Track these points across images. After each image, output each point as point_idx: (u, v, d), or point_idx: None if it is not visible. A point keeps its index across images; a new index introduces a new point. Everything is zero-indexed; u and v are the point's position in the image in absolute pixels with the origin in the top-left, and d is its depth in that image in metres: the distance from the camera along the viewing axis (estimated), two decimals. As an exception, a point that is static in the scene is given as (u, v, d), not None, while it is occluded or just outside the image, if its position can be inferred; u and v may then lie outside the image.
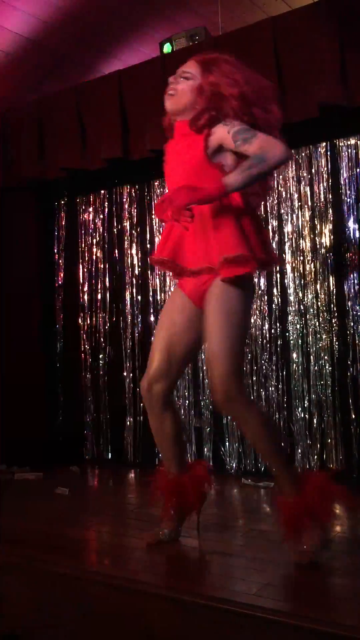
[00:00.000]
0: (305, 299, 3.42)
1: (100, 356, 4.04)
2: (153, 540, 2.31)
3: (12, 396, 4.01)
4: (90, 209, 4.17)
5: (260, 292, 3.53)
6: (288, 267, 3.47)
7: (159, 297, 3.87)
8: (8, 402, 4.02)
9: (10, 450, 3.86)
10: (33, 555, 2.27)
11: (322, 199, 3.40)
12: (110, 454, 4.01)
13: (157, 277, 3.85)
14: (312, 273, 3.41)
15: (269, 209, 3.53)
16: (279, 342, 3.49)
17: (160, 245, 2.28)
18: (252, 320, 3.53)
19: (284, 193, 3.50)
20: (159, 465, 2.47)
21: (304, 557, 2.06)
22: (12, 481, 3.56)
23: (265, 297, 3.53)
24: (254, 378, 3.54)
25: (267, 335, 3.51)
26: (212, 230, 2.11)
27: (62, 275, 4.25)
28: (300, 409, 3.41)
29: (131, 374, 3.93)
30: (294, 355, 3.44)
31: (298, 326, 3.44)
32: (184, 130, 2.22)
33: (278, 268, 3.48)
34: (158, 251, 2.28)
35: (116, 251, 4.08)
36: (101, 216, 4.14)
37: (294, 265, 3.46)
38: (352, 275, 3.33)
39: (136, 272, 4.00)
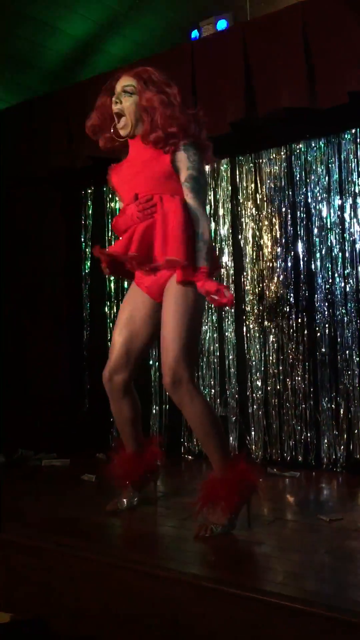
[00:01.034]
0: (333, 288, 3.38)
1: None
2: (112, 509, 2.63)
3: (39, 384, 4.06)
4: (117, 198, 4.17)
5: (288, 281, 3.51)
6: (317, 255, 3.43)
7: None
8: (35, 389, 4.07)
9: (37, 437, 3.90)
10: (60, 540, 2.30)
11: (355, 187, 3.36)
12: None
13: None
14: (340, 261, 3.37)
15: (296, 198, 3.50)
16: (305, 332, 3.47)
17: (123, 243, 2.42)
18: (280, 309, 3.51)
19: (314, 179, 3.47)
20: (116, 444, 2.75)
21: (201, 531, 2.29)
22: (40, 468, 3.61)
23: (293, 286, 3.50)
24: (280, 368, 3.52)
25: (294, 324, 3.48)
26: (168, 232, 2.34)
27: (89, 264, 4.27)
28: (326, 399, 3.39)
29: (157, 362, 3.94)
30: (321, 344, 3.41)
31: (325, 315, 3.41)
32: (138, 146, 2.47)
33: (307, 257, 3.46)
34: (123, 248, 2.41)
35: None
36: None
37: (323, 253, 3.42)
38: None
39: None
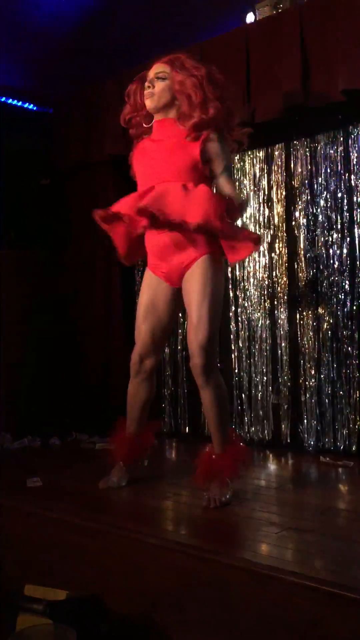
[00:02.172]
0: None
1: (179, 331, 4.06)
2: (105, 486, 2.75)
3: (95, 369, 4.13)
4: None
5: (342, 268, 3.45)
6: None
7: (237, 273, 3.84)
8: (90, 374, 4.14)
9: (92, 421, 3.98)
10: (114, 521, 2.35)
11: None
12: (187, 428, 4.06)
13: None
14: None
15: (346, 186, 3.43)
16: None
17: (134, 199, 2.50)
18: (334, 296, 3.46)
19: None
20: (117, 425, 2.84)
21: (211, 502, 2.45)
22: (94, 451, 3.68)
23: (348, 273, 3.43)
24: (334, 355, 3.47)
25: (349, 312, 3.42)
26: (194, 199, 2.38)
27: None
28: (381, 388, 3.33)
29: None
30: (377, 333, 3.34)
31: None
32: (169, 130, 2.51)
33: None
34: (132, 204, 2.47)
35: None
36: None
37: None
38: None
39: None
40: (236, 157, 3.84)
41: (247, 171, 3.81)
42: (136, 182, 2.69)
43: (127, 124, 2.70)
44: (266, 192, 3.73)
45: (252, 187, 3.78)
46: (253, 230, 3.72)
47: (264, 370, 3.73)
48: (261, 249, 3.73)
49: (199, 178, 2.47)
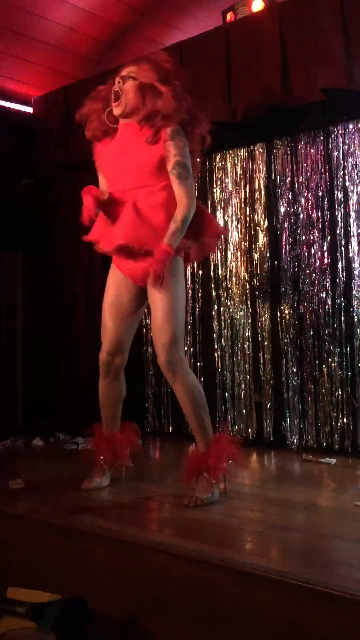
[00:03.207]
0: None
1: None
2: (88, 487, 2.75)
3: (78, 370, 4.10)
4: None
5: (323, 266, 3.46)
6: (353, 240, 3.37)
7: (219, 272, 3.84)
8: (73, 375, 4.12)
9: (75, 422, 3.95)
10: (97, 522, 2.33)
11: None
12: (171, 427, 4.06)
13: (219, 252, 3.82)
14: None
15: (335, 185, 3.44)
16: (342, 317, 3.42)
17: (103, 233, 2.63)
18: (316, 294, 3.47)
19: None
20: (95, 428, 2.85)
21: (192, 501, 2.48)
22: (77, 452, 3.66)
23: (329, 271, 3.45)
24: (316, 353, 3.48)
25: (331, 310, 3.44)
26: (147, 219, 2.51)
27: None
28: (364, 385, 3.35)
29: (192, 348, 3.95)
30: (358, 330, 3.36)
31: (362, 301, 3.36)
32: (131, 130, 2.55)
33: (344, 242, 3.40)
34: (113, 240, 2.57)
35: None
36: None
37: None
38: None
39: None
40: (217, 156, 3.85)
41: (229, 170, 3.81)
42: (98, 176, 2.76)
43: (84, 122, 2.70)
44: (247, 191, 3.73)
45: (233, 186, 3.79)
46: (236, 229, 3.74)
47: (247, 368, 3.74)
48: (243, 247, 3.74)
49: (163, 176, 2.52)
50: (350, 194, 3.39)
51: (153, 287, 2.46)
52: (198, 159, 2.80)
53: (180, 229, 2.48)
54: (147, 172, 2.53)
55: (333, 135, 3.43)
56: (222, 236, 2.62)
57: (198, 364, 3.94)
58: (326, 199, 3.45)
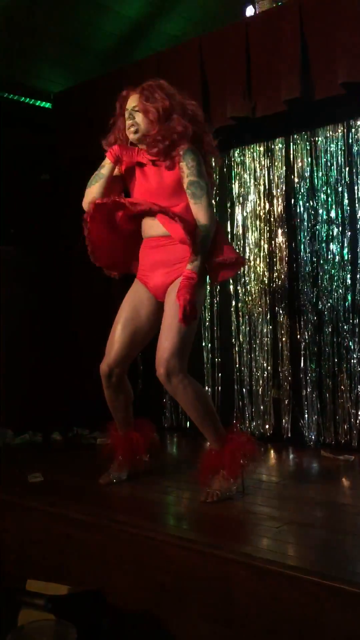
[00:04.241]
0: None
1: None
2: (106, 482, 2.78)
3: (94, 363, 4.12)
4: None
5: (342, 262, 3.44)
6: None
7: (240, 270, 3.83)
8: (90, 369, 4.13)
9: (93, 416, 3.98)
10: (115, 516, 2.35)
11: None
12: (188, 423, 4.06)
13: (237, 247, 3.81)
14: None
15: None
16: (361, 314, 3.40)
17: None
18: (335, 290, 3.45)
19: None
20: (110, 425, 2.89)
21: (209, 497, 2.50)
22: (94, 446, 3.68)
23: (349, 267, 3.43)
24: (334, 350, 3.47)
25: (350, 306, 3.42)
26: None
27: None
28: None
29: (209, 344, 3.95)
30: (378, 327, 3.34)
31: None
32: (149, 158, 2.57)
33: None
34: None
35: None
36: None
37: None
38: None
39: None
40: (236, 152, 3.84)
41: (248, 165, 3.80)
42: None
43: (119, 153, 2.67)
44: (267, 187, 3.72)
45: (252, 182, 3.78)
46: (254, 224, 3.73)
47: (265, 364, 3.73)
48: (262, 243, 3.73)
49: (180, 196, 2.54)
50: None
51: (177, 310, 2.43)
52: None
53: (200, 251, 2.46)
54: (170, 191, 2.54)
55: (353, 130, 3.40)
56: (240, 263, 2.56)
57: (216, 359, 3.94)
58: (346, 195, 3.43)
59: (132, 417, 2.85)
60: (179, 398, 2.55)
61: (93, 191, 2.64)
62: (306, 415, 3.55)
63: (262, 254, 3.74)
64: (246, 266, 3.78)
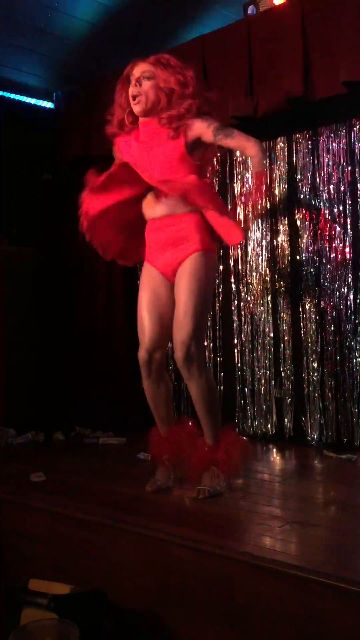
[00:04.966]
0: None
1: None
2: (153, 488, 2.66)
3: (96, 363, 4.13)
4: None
5: (345, 261, 3.44)
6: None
7: (240, 267, 3.83)
8: (93, 369, 4.14)
9: (95, 416, 3.98)
10: (117, 515, 2.35)
11: None
12: (191, 422, 4.05)
13: (239, 247, 3.81)
14: None
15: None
16: (363, 313, 3.39)
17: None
18: (337, 289, 3.45)
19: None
20: (153, 426, 2.78)
21: (200, 493, 2.51)
22: (97, 445, 3.69)
23: (351, 266, 3.42)
24: (337, 349, 3.46)
25: (352, 305, 3.42)
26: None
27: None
28: (385, 381, 3.32)
29: (211, 343, 3.94)
30: (380, 326, 3.34)
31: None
32: (153, 128, 2.54)
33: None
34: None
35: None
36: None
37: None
38: None
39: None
40: (238, 151, 3.83)
41: (249, 165, 3.79)
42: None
43: (116, 126, 2.69)
44: (268, 185, 3.71)
45: (254, 181, 3.76)
46: (255, 224, 3.73)
47: (267, 364, 3.73)
48: (263, 242, 3.73)
49: (189, 168, 2.53)
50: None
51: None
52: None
53: (262, 157, 2.51)
54: (172, 165, 2.52)
55: (355, 128, 3.39)
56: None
57: (218, 359, 3.94)
58: (348, 193, 3.42)
59: (174, 414, 2.78)
60: (192, 385, 2.52)
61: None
62: (308, 415, 3.55)
63: (264, 252, 3.73)
64: (247, 265, 3.78)
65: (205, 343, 3.95)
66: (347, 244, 3.43)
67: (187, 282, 2.49)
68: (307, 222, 3.57)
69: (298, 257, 3.61)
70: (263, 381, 3.73)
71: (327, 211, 3.50)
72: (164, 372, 2.67)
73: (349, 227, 3.42)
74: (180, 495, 2.66)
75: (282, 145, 3.65)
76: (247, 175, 3.80)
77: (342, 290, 3.45)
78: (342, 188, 3.45)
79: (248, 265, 3.79)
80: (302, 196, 3.59)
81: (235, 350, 3.84)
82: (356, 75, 2.96)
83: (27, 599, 2.16)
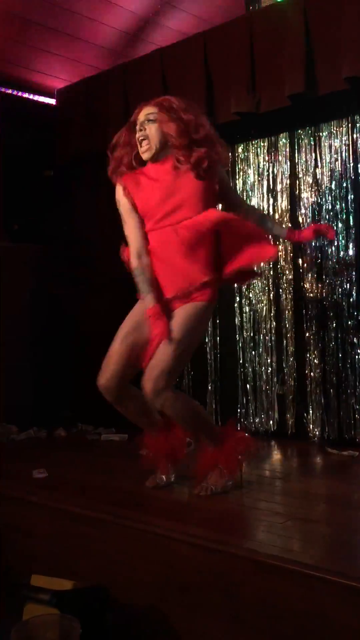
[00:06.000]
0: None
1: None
2: (152, 484, 2.68)
3: (99, 360, 4.12)
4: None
5: (347, 257, 3.43)
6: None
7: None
8: (95, 365, 4.14)
9: (97, 412, 3.98)
10: (119, 512, 2.35)
11: None
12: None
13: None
14: None
15: None
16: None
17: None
18: (340, 286, 3.45)
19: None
20: (144, 431, 2.78)
21: (202, 490, 2.52)
22: (99, 441, 3.69)
23: (353, 262, 3.42)
24: (339, 345, 3.46)
25: (354, 302, 3.41)
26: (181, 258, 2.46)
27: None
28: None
29: (210, 342, 3.94)
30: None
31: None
32: (166, 168, 2.49)
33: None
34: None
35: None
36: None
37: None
38: None
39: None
40: (240, 147, 3.83)
41: (251, 161, 3.79)
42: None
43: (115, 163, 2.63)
44: (270, 182, 3.71)
45: (256, 177, 3.77)
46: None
47: (269, 360, 3.73)
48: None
49: (213, 204, 2.53)
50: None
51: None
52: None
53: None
54: (196, 202, 2.46)
55: (358, 125, 3.38)
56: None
57: (219, 355, 3.94)
58: (350, 190, 3.42)
59: (157, 416, 2.71)
60: (167, 412, 2.50)
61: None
62: (310, 411, 3.55)
63: (266, 249, 3.72)
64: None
65: (207, 339, 3.95)
66: (349, 240, 3.42)
67: (178, 324, 2.41)
68: (309, 218, 3.56)
69: (300, 253, 3.60)
70: (265, 378, 3.73)
71: (329, 207, 3.49)
72: (128, 389, 2.56)
73: (351, 223, 3.42)
74: (182, 492, 2.67)
75: (284, 141, 3.65)
76: (250, 171, 3.80)
77: (345, 286, 3.44)
78: (344, 184, 3.44)
79: (250, 262, 3.78)
80: (303, 192, 3.58)
81: (238, 347, 3.85)
82: (358, 71, 2.95)
83: (29, 594, 2.16)
